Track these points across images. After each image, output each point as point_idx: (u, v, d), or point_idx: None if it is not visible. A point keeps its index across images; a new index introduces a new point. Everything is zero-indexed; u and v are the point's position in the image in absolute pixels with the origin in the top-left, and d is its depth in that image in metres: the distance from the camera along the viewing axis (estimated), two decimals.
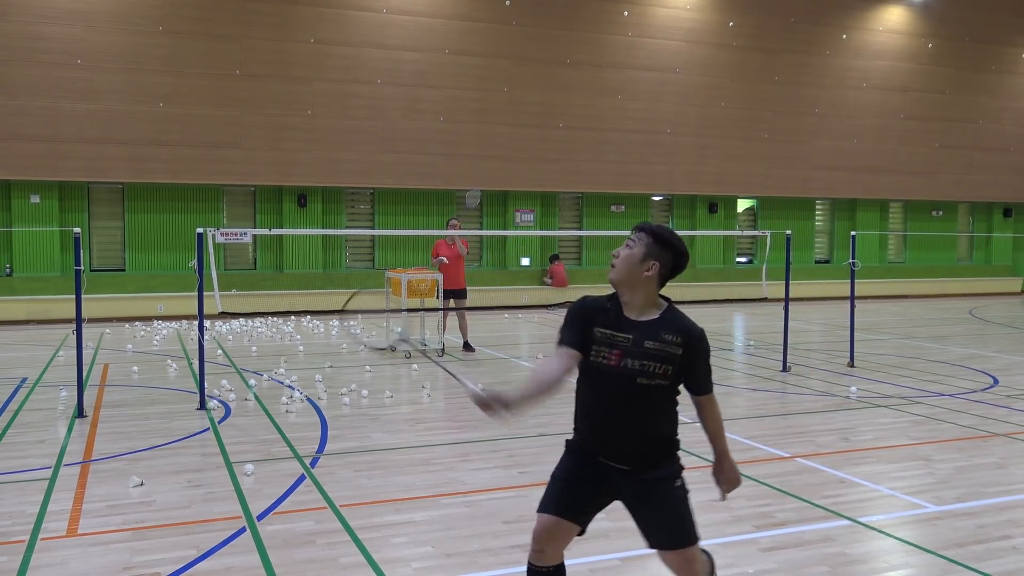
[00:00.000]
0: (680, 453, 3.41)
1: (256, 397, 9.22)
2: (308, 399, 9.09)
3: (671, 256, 3.38)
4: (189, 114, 18.26)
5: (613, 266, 3.42)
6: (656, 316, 3.37)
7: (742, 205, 24.74)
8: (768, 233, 12.11)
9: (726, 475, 3.52)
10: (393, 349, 11.88)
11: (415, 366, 11.41)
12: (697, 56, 22.39)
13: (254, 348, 13.24)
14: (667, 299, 3.44)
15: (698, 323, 3.36)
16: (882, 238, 26.06)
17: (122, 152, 17.93)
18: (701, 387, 3.40)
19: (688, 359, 3.32)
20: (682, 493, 3.38)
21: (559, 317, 17.70)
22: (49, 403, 8.92)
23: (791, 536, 5.04)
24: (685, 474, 3.37)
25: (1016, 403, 9.03)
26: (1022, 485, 6.09)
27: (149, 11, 17.83)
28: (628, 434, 3.36)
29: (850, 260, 11.30)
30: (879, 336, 14.96)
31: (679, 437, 3.45)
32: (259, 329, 15.89)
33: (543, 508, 3.44)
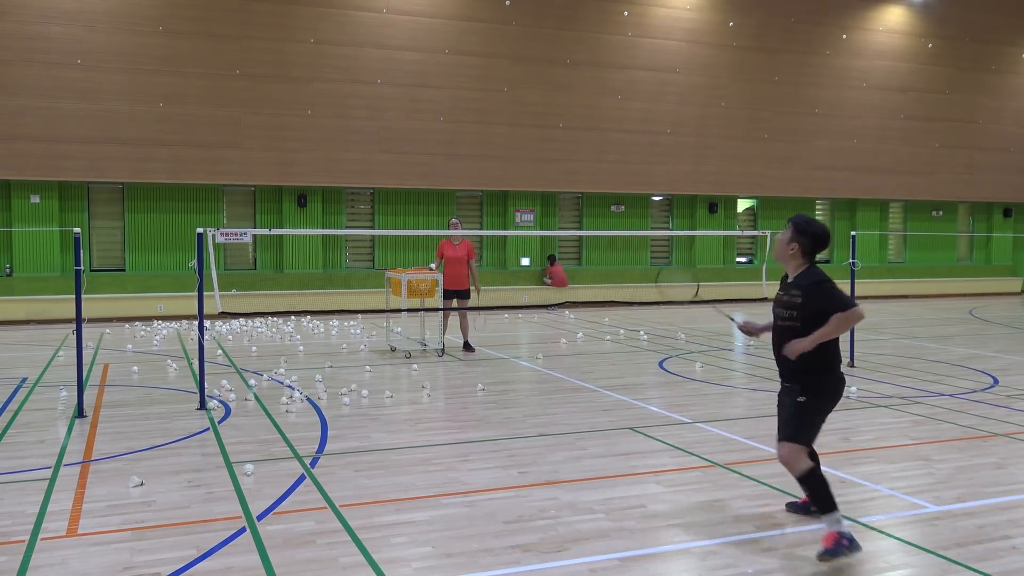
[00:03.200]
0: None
1: (256, 397, 9.22)
2: (308, 399, 9.09)
3: (808, 239, 4.86)
4: (189, 114, 18.27)
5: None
6: (794, 277, 4.88)
7: (742, 205, 24.74)
8: (768, 233, 12.10)
9: (791, 344, 4.78)
10: None
11: (415, 366, 11.41)
12: (697, 56, 22.40)
13: (254, 348, 13.24)
14: (813, 265, 4.88)
15: (815, 277, 4.80)
16: (882, 238, 26.06)
17: (122, 152, 17.93)
18: (833, 311, 4.71)
19: (808, 302, 4.74)
20: (800, 404, 4.84)
21: (559, 317, 17.62)
22: (49, 403, 8.92)
23: (791, 536, 5.04)
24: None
25: (1016, 403, 9.03)
26: (1022, 485, 6.09)
27: (149, 11, 17.85)
28: (779, 359, 4.96)
29: (850, 260, 11.30)
30: (879, 336, 14.96)
31: (817, 369, 4.83)
32: (259, 329, 15.89)
33: None
